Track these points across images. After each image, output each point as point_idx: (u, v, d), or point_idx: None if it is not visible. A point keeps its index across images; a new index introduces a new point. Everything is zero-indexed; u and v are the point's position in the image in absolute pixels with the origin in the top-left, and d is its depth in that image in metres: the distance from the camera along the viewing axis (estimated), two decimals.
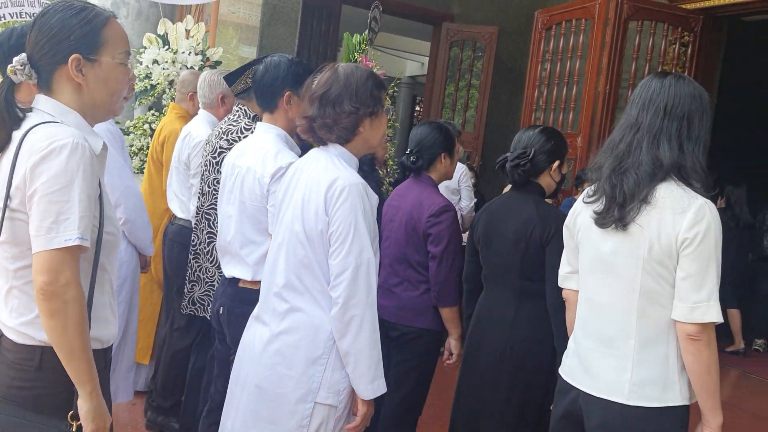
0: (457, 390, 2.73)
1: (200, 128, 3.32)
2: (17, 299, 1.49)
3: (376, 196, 2.03)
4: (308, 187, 1.95)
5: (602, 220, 1.86)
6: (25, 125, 1.50)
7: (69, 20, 1.51)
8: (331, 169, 1.94)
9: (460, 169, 5.03)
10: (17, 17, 4.53)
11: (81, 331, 1.42)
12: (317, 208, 1.91)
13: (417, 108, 14.26)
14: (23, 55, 1.52)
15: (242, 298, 2.39)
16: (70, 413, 1.47)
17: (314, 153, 2.05)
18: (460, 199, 5.06)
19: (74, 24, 1.51)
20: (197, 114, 3.58)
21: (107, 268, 1.59)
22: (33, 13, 4.61)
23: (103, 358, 1.59)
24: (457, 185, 5.02)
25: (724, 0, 5.56)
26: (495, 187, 6.46)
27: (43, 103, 1.54)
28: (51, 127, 1.47)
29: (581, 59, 5.82)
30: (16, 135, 1.49)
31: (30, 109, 1.54)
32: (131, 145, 4.91)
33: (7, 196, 1.45)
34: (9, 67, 1.51)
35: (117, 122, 5.13)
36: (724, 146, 7.32)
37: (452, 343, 2.77)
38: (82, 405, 1.45)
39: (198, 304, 2.90)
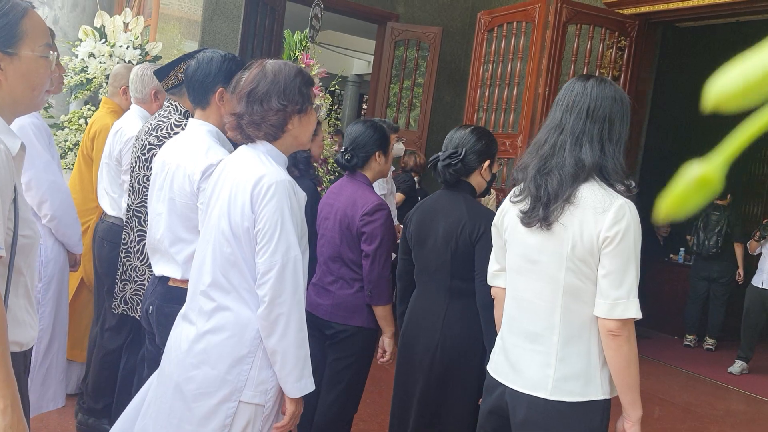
0: (394, 387, 2.74)
1: (132, 124, 3.25)
2: None
3: (304, 194, 2.01)
4: (235, 184, 1.93)
5: (528, 219, 1.89)
6: None
7: None
8: (258, 166, 1.92)
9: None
10: None
11: None
12: (243, 205, 1.89)
13: (365, 106, 14.27)
14: None
15: (171, 297, 2.36)
16: None
17: (242, 150, 2.03)
18: None
19: None
20: (129, 109, 3.50)
21: (24, 271, 1.54)
22: None
23: (22, 362, 1.54)
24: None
25: (659, 6, 5.73)
26: (438, 186, 6.50)
27: None
28: None
29: (522, 61, 5.91)
30: None
31: None
32: (66, 140, 4.78)
33: None
34: None
35: (51, 116, 5.00)
36: (656, 148, 7.56)
37: (386, 341, 2.79)
38: None
39: (129, 303, 2.84)
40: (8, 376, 1.38)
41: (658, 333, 7.46)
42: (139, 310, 2.78)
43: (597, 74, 5.80)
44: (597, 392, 1.84)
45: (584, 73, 5.78)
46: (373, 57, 7.99)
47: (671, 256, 7.97)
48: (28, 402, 1.57)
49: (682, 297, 7.43)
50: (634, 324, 1.81)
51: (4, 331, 1.39)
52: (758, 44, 0.32)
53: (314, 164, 3.76)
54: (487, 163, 2.55)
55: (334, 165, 4.36)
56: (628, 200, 1.81)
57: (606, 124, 1.86)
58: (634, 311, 1.77)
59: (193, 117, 2.49)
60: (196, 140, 2.37)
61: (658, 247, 7.94)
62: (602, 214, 1.78)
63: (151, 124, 2.73)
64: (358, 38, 10.93)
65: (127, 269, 2.83)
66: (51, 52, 1.56)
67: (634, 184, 1.87)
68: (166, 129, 2.65)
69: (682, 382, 5.95)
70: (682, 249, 7.81)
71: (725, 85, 0.31)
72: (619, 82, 5.89)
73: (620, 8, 5.98)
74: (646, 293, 7.28)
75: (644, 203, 1.84)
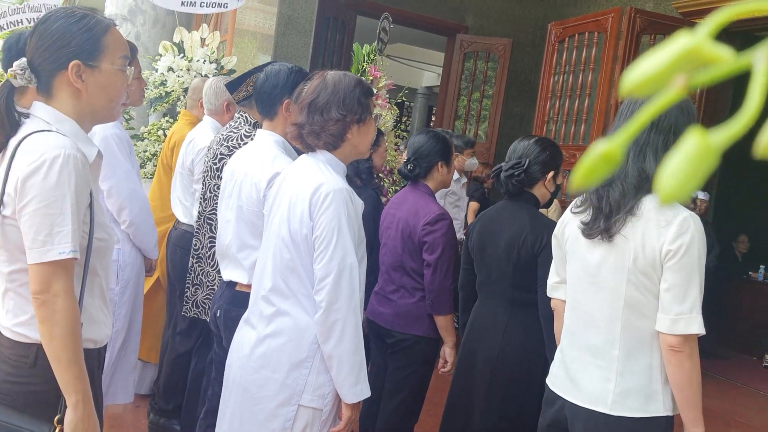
0: (449, 397, 2.73)
1: (205, 135, 3.37)
2: (12, 301, 1.54)
3: (362, 202, 2.05)
4: (295, 192, 1.98)
5: (589, 230, 1.87)
6: (21, 132, 1.53)
7: (70, 27, 1.54)
8: (317, 175, 1.97)
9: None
10: (33, 23, 4.63)
11: (69, 340, 1.45)
12: (302, 212, 1.94)
13: (433, 118, 14.30)
14: (23, 59, 1.55)
15: (238, 302, 2.43)
16: (58, 417, 1.50)
17: (302, 159, 2.09)
18: None
19: (75, 31, 1.54)
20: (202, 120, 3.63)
21: (98, 272, 1.63)
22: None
23: (96, 358, 1.63)
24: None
25: (737, 15, 5.53)
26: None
27: (40, 110, 1.56)
28: (44, 137, 1.49)
29: (593, 72, 5.82)
30: (12, 141, 1.52)
31: (27, 115, 1.57)
32: (145, 151, 4.99)
33: (0, 203, 1.49)
34: (9, 71, 1.54)
35: (131, 128, 5.23)
36: (734, 158, 7.28)
37: (447, 351, 2.79)
38: (68, 414, 1.48)
39: (201, 307, 2.94)
40: (81, 371, 1.47)
41: (736, 353, 7.15)
42: (210, 313, 2.88)
43: None
44: (659, 408, 1.80)
45: None
46: (442, 69, 8.01)
47: (750, 273, 7.65)
48: (102, 398, 1.65)
49: (762, 316, 7.11)
50: (696, 340, 1.76)
51: (78, 329, 1.48)
52: None
53: (379, 174, 3.81)
54: (551, 174, 2.53)
55: (398, 176, 4.40)
56: (692, 213, 1.76)
57: (671, 134, 1.82)
58: (698, 327, 1.72)
59: (261, 128, 2.57)
60: (263, 150, 2.45)
61: (737, 263, 7.63)
62: (666, 227, 1.74)
63: (222, 135, 2.83)
64: (428, 50, 10.98)
65: (199, 274, 2.94)
66: (128, 67, 1.65)
67: (700, 196, 1.82)
68: (237, 139, 2.75)
69: (760, 404, 5.68)
70: (762, 266, 7.48)
71: (635, 75, 0.36)
72: (695, 93, 5.72)
73: (696, 18, 5.81)
74: (723, 311, 7.02)
75: (718, 214, 1.80)
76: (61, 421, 1.49)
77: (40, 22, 1.57)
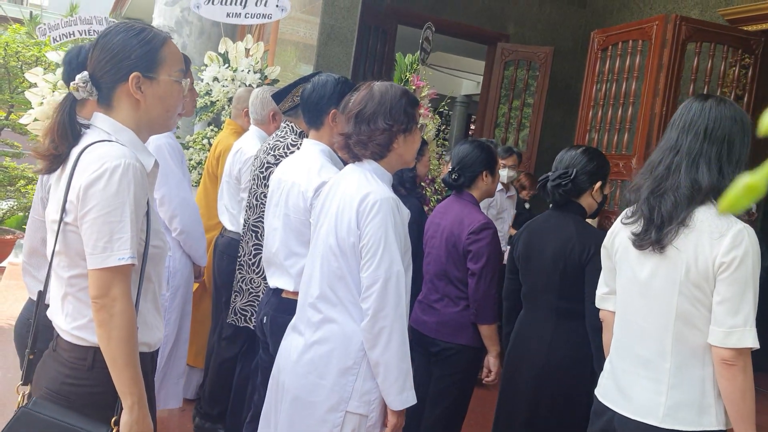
0: (497, 408, 2.73)
1: (251, 144, 3.43)
2: (71, 305, 1.59)
3: (408, 211, 2.07)
4: (342, 201, 2.01)
5: (640, 241, 1.86)
6: (83, 142, 1.59)
7: (130, 40, 1.61)
8: (364, 184, 1.99)
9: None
10: (86, 34, 4.76)
11: (125, 343, 1.51)
12: (350, 221, 1.97)
13: (472, 126, 14.27)
14: (85, 73, 1.61)
15: (285, 308, 2.46)
16: (114, 418, 1.54)
17: (349, 168, 2.11)
18: None
19: (135, 44, 1.61)
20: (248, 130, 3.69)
21: (152, 278, 1.68)
22: (101, 31, 4.86)
23: (150, 362, 1.68)
24: None
25: None
26: (538, 203, 6.42)
27: (100, 120, 1.63)
28: (105, 146, 1.55)
29: (637, 80, 5.75)
30: (74, 151, 1.58)
31: (88, 126, 1.64)
32: (190, 159, 5.08)
33: (63, 210, 1.55)
34: (71, 84, 1.61)
35: (177, 137, 5.34)
36: None
37: (491, 361, 2.78)
38: (123, 416, 1.52)
39: (239, 314, 2.98)
40: (137, 374, 1.52)
41: None
42: (252, 320, 2.92)
43: (718, 94, 5.57)
44: (711, 423, 1.77)
45: (704, 92, 5.55)
46: (482, 77, 8.00)
47: None
48: (155, 401, 1.70)
49: None
50: (750, 354, 1.73)
51: (134, 333, 1.52)
52: None
53: (421, 184, 3.82)
54: (598, 184, 2.51)
55: (441, 185, 4.41)
56: (747, 225, 1.74)
57: (725, 145, 1.80)
58: (752, 340, 1.69)
59: (307, 137, 2.61)
60: (310, 159, 2.48)
61: None
62: (719, 239, 1.72)
63: (269, 144, 2.88)
64: (466, 59, 10.97)
65: (239, 281, 2.98)
66: (184, 79, 1.70)
67: (754, 209, 1.80)
68: (283, 149, 2.79)
69: None
70: None
71: None
72: (743, 102, 5.61)
73: (744, 25, 5.71)
74: None
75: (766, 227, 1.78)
76: (117, 423, 1.53)
77: (102, 37, 1.63)
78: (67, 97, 1.61)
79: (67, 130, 1.59)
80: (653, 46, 5.52)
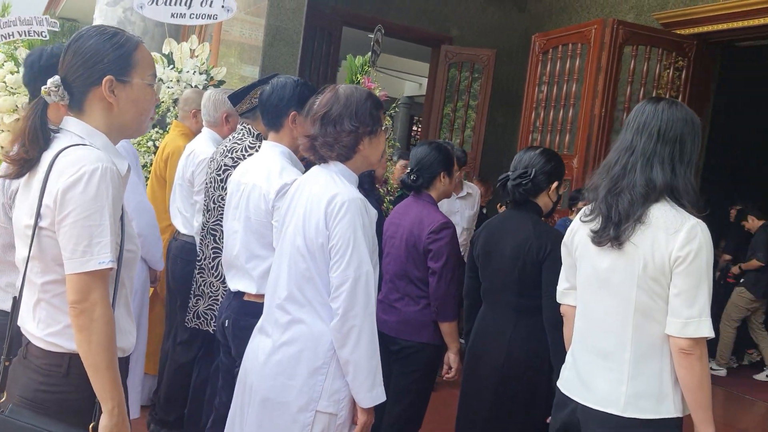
0: (459, 404, 2.78)
1: (204, 146, 3.39)
2: (44, 311, 1.56)
3: (375, 211, 2.10)
4: (309, 202, 2.03)
5: (599, 238, 1.93)
6: (55, 146, 1.57)
7: (103, 44, 1.60)
8: (331, 186, 2.02)
9: (479, 192, 5.17)
10: (26, 35, 4.62)
11: (106, 347, 1.50)
12: (318, 222, 1.98)
13: (414, 128, 14.40)
14: (57, 77, 1.59)
15: (247, 311, 2.45)
16: (92, 424, 1.53)
17: (315, 170, 2.13)
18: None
19: (108, 48, 1.60)
20: (200, 131, 3.65)
21: (125, 282, 1.67)
22: (41, 32, 4.70)
23: (125, 367, 1.67)
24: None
25: (717, 26, 5.69)
26: (492, 206, 6.54)
27: (72, 125, 1.61)
28: (80, 150, 1.54)
29: (577, 82, 5.93)
30: (46, 156, 1.56)
31: (58, 130, 1.61)
32: None
33: (38, 215, 1.52)
34: (43, 88, 1.58)
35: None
36: (717, 168, 7.44)
37: (451, 357, 2.84)
38: (103, 420, 1.51)
39: (202, 318, 2.95)
40: (117, 378, 1.51)
41: None
42: (213, 324, 2.89)
43: (654, 95, 5.80)
44: (670, 410, 1.86)
45: (641, 94, 5.77)
46: (425, 79, 8.10)
47: None
48: (128, 404, 1.68)
49: None
50: (705, 343, 1.83)
51: (114, 337, 1.51)
52: None
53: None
54: (555, 184, 2.60)
55: (394, 186, 4.45)
56: (699, 220, 1.83)
57: (677, 145, 1.89)
58: (707, 330, 1.78)
59: (266, 139, 2.60)
60: (271, 161, 2.48)
61: None
62: (674, 234, 1.81)
63: (226, 147, 2.86)
64: (408, 60, 11.07)
65: (201, 285, 2.95)
66: (156, 83, 1.69)
67: (703, 205, 1.90)
68: (241, 151, 2.78)
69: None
70: None
71: None
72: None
73: (677, 28, 5.96)
74: None
75: (705, 221, 1.88)
76: (95, 429, 1.51)
77: (74, 40, 1.61)
78: (38, 102, 1.58)
79: (38, 135, 1.56)
80: (592, 49, 5.70)
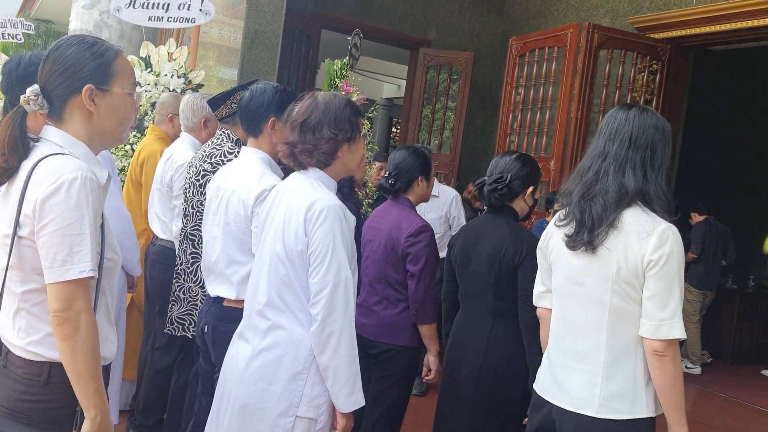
0: (437, 406, 2.81)
1: (183, 151, 3.38)
2: (24, 320, 1.56)
3: (354, 217, 2.12)
4: (289, 209, 2.04)
5: (573, 242, 1.97)
6: (34, 155, 1.57)
7: (83, 53, 1.60)
8: (310, 192, 2.03)
9: (451, 195, 5.14)
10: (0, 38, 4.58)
11: (90, 356, 1.50)
12: (297, 228, 2.00)
13: (393, 129, 14.44)
14: (36, 86, 1.59)
15: (226, 317, 2.46)
16: None
17: (295, 176, 2.14)
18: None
19: (88, 57, 1.60)
20: (177, 136, 3.64)
21: (106, 291, 1.67)
22: (15, 35, 4.67)
23: (106, 375, 1.67)
24: (448, 214, 5.08)
25: (690, 30, 5.79)
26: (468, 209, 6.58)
27: (52, 134, 1.61)
28: (60, 159, 1.54)
29: (554, 85, 5.99)
30: (26, 165, 1.56)
31: (38, 139, 1.61)
32: None
33: (17, 224, 1.52)
34: (22, 97, 1.58)
35: None
36: (689, 171, 7.57)
37: (431, 360, 2.86)
38: (85, 427, 1.51)
39: (176, 323, 2.94)
40: (100, 386, 1.51)
41: None
42: (190, 329, 2.89)
43: (629, 98, 5.88)
44: (643, 410, 1.90)
45: (616, 96, 5.85)
46: (404, 82, 8.13)
47: None
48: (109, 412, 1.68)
49: None
50: (678, 344, 1.87)
51: (98, 345, 1.52)
52: None
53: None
54: (530, 189, 2.64)
55: (372, 189, 4.47)
56: (671, 224, 1.88)
57: (648, 151, 1.93)
58: (679, 331, 1.83)
59: (245, 145, 2.61)
60: (250, 167, 2.49)
61: None
62: (646, 238, 1.85)
63: (204, 152, 2.86)
64: (387, 63, 11.10)
65: (176, 290, 2.95)
66: (136, 92, 1.70)
67: (674, 209, 1.94)
68: (220, 156, 2.78)
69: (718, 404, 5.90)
70: None
71: None
72: (651, 105, 5.94)
73: (652, 33, 6.05)
74: None
75: (677, 225, 1.93)
76: None
77: (53, 49, 1.61)
78: (18, 110, 1.58)
79: (18, 144, 1.56)
80: (568, 52, 5.77)
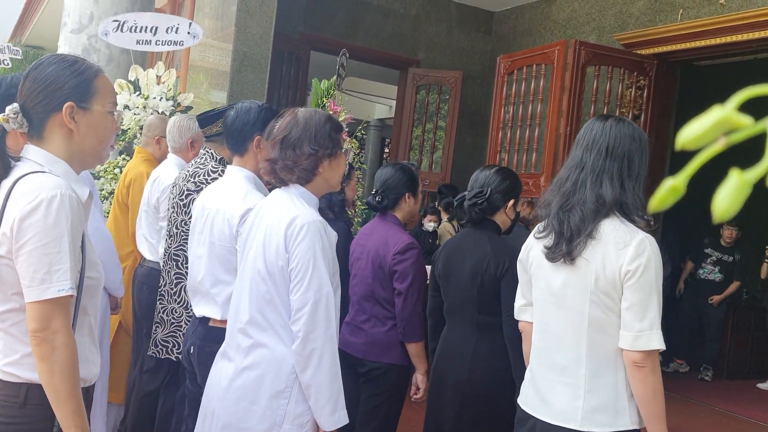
0: (425, 421, 2.79)
1: (170, 172, 3.39)
2: (2, 341, 1.56)
3: (335, 233, 2.12)
4: (269, 225, 2.04)
5: (552, 254, 1.97)
6: (14, 174, 1.57)
7: (63, 71, 1.60)
8: (291, 208, 2.03)
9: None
10: None
11: (68, 376, 1.49)
12: (278, 245, 1.99)
13: (386, 150, 14.48)
14: (15, 104, 1.60)
15: (212, 337, 2.44)
16: None
17: (276, 193, 2.15)
18: None
19: (68, 75, 1.60)
20: (163, 157, 3.65)
21: (88, 310, 1.66)
22: (3, 60, 4.69)
23: (86, 397, 1.65)
24: None
25: (676, 46, 5.85)
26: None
27: (32, 152, 1.61)
28: (39, 177, 1.54)
29: (542, 102, 6.03)
30: (5, 183, 1.56)
31: (19, 158, 1.61)
32: (102, 189, 4.95)
33: None
34: (1, 115, 1.58)
35: None
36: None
37: (419, 378, 2.85)
38: None
39: (160, 346, 2.93)
40: (80, 406, 1.50)
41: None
42: (174, 351, 2.87)
43: (617, 113, 5.92)
44: (626, 423, 1.89)
45: (605, 112, 5.89)
46: (395, 102, 8.18)
47: None
48: None
49: None
50: (657, 355, 1.86)
51: (76, 365, 1.51)
52: None
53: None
54: (511, 202, 2.64)
55: (362, 207, 4.48)
56: (648, 235, 1.88)
57: (625, 161, 1.94)
58: (658, 342, 1.82)
59: (230, 164, 2.62)
60: (235, 186, 2.50)
61: None
62: (623, 249, 1.85)
63: (188, 171, 2.86)
64: (378, 84, 11.17)
65: (160, 312, 2.93)
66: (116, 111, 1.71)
67: (653, 221, 1.94)
68: (203, 175, 2.79)
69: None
70: None
71: (688, 134, 0.52)
72: (640, 121, 5.98)
73: (638, 49, 6.10)
74: None
75: (669, 239, 1.94)
76: None
77: (33, 68, 1.62)
78: None
79: None
80: (555, 69, 5.82)
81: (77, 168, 1.68)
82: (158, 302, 2.93)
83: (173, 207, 2.88)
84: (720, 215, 0.51)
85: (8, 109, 1.58)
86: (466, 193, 2.66)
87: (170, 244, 2.89)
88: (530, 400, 2.05)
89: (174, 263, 2.86)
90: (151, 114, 5.00)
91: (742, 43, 5.49)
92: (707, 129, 0.51)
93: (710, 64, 6.79)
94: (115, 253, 3.06)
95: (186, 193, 2.80)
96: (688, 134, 0.52)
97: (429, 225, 6.15)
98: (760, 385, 6.96)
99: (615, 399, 1.89)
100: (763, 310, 7.38)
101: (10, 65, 4.67)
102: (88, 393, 1.68)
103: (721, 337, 7.22)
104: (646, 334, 1.81)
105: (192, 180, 2.81)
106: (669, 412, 1.90)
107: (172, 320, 2.88)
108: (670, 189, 0.53)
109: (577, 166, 1.98)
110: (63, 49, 5.81)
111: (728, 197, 0.50)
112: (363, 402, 2.86)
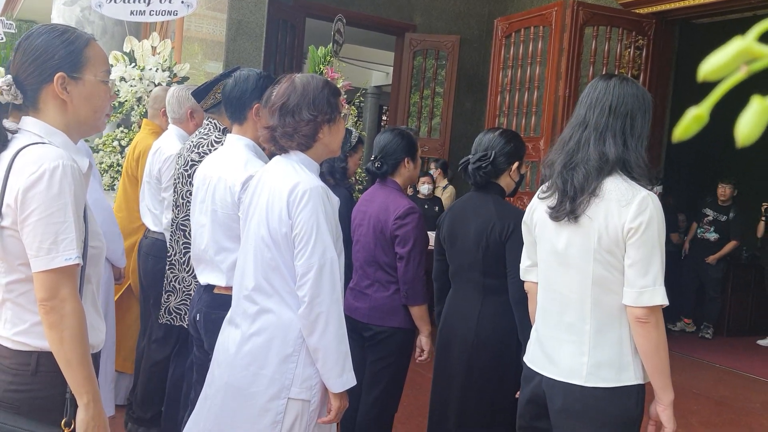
0: (432, 385, 2.83)
1: (170, 143, 3.39)
2: (10, 311, 1.57)
3: (337, 198, 2.13)
4: (271, 192, 2.05)
5: (556, 213, 1.98)
6: (14, 146, 1.57)
7: (53, 41, 1.60)
8: (292, 175, 2.04)
9: None
10: None
11: (78, 343, 1.51)
12: (281, 212, 2.00)
13: (384, 117, 14.41)
14: (9, 76, 1.60)
15: (218, 304, 2.47)
16: (64, 420, 1.55)
17: (276, 160, 2.15)
18: None
19: (58, 44, 1.60)
20: (167, 129, 3.64)
21: (92, 279, 1.68)
22: None
23: (96, 364, 1.68)
24: None
25: (674, 4, 5.79)
26: (463, 191, 6.60)
27: (30, 124, 1.61)
28: (40, 149, 1.54)
29: (541, 65, 6.00)
30: (5, 155, 1.56)
31: (16, 130, 1.61)
32: (101, 163, 4.95)
33: None
34: None
35: (86, 140, 5.17)
36: (678, 144, 7.57)
37: (423, 340, 2.88)
38: (79, 414, 1.53)
39: (174, 314, 2.96)
40: (90, 372, 1.53)
41: None
42: (186, 318, 2.90)
43: (616, 74, 5.89)
44: (630, 378, 1.92)
45: (604, 73, 5.85)
46: (392, 68, 8.12)
47: None
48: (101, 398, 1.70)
49: None
50: (661, 311, 1.88)
51: (85, 332, 1.53)
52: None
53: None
54: (515, 164, 2.64)
55: (362, 175, 4.48)
56: (650, 192, 1.89)
57: (628, 119, 1.94)
58: (661, 298, 1.84)
59: (231, 132, 2.61)
60: (235, 154, 2.50)
61: None
62: (626, 206, 1.86)
63: (192, 142, 2.86)
64: (375, 50, 11.08)
65: (172, 281, 2.96)
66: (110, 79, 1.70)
67: (660, 188, 1.95)
68: (207, 146, 2.79)
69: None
70: None
71: (710, 65, 0.53)
72: (639, 80, 5.95)
73: (636, 8, 6.05)
74: None
75: (672, 197, 1.95)
76: (68, 424, 1.53)
77: (23, 39, 1.61)
78: None
79: None
80: (553, 31, 5.77)
81: (75, 138, 1.68)
82: (169, 271, 2.95)
83: (178, 178, 2.88)
84: (743, 139, 0.52)
85: (1, 81, 1.58)
86: (470, 156, 2.66)
87: (177, 214, 2.90)
88: (536, 358, 2.08)
89: (181, 233, 2.87)
90: (148, 85, 4.97)
91: (740, 0, 5.43)
92: (728, 59, 0.52)
93: (709, 22, 6.73)
94: (116, 224, 3.07)
95: (190, 163, 2.80)
96: (710, 65, 0.53)
97: (424, 187, 6.15)
98: (761, 342, 7.05)
99: (619, 355, 1.92)
100: (761, 267, 7.43)
101: (4, 39, 4.63)
102: (96, 359, 1.71)
103: (721, 295, 7.28)
104: (650, 290, 1.83)
105: (196, 150, 2.80)
106: (671, 369, 1.92)
107: (183, 288, 2.91)
108: (694, 118, 0.53)
109: (581, 124, 1.98)
110: (56, 21, 5.75)
111: (751, 121, 0.51)
112: (369, 366, 2.90)
